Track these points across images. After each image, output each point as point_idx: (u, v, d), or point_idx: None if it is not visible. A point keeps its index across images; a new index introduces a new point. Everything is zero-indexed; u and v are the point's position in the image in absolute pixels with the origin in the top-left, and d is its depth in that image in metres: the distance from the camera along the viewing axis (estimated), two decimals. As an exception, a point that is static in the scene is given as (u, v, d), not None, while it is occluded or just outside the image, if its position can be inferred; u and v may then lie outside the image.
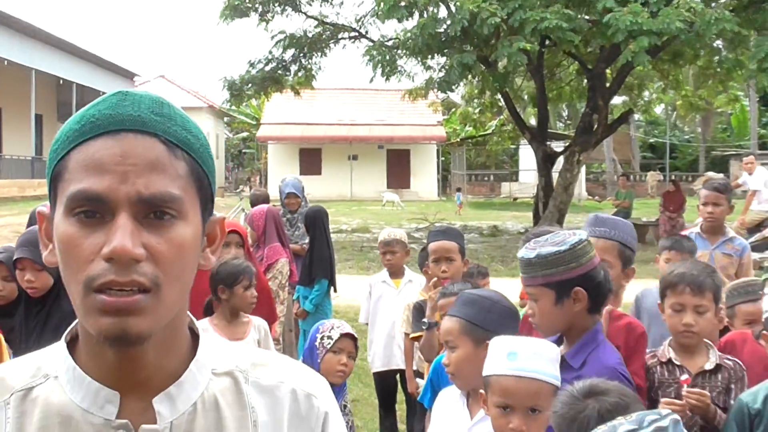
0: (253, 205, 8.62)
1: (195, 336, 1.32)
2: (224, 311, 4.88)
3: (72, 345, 1.26)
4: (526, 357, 2.56)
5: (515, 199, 42.78)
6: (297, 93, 25.72)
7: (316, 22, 23.77)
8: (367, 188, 45.24)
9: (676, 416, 1.86)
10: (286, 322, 7.93)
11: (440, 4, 18.27)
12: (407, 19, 18.62)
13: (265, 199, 9.09)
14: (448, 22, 18.12)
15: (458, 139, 46.24)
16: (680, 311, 3.36)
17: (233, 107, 51.10)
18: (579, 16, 17.31)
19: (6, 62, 31.24)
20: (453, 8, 17.88)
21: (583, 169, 36.30)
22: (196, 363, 1.27)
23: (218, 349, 1.33)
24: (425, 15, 18.56)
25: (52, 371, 1.25)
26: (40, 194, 32.46)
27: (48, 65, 34.86)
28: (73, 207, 1.15)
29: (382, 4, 18.58)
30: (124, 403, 1.21)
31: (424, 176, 46.74)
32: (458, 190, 37.58)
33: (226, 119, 57.85)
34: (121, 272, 1.12)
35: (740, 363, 3.38)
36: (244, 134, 59.24)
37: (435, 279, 4.75)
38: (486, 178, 49.51)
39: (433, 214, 26.96)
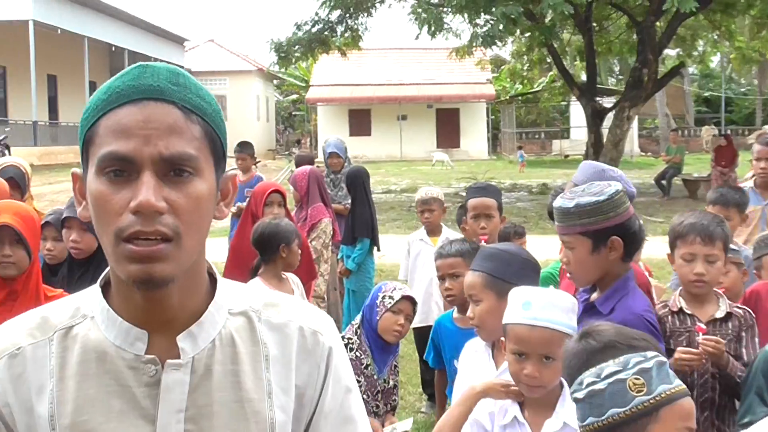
0: (297, 166, 8.74)
1: (213, 280, 1.48)
2: (276, 269, 5.01)
3: (105, 289, 1.43)
4: (540, 306, 2.63)
5: (566, 156, 42.36)
6: (344, 54, 25.71)
7: (361, -18, 23.69)
8: (416, 148, 45.16)
9: (662, 358, 1.93)
10: (331, 281, 8.09)
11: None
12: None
13: (309, 161, 9.23)
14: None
15: (508, 97, 45.86)
16: (691, 261, 3.39)
17: (282, 70, 51.42)
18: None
19: (60, 30, 31.75)
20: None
21: (636, 124, 35.89)
22: (214, 304, 1.43)
23: (234, 291, 1.50)
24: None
25: (89, 312, 1.41)
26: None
27: (100, 33, 35.35)
28: (104, 167, 1.30)
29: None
30: (152, 340, 1.37)
31: (474, 135, 46.42)
32: (519, 148, 37.20)
33: (275, 82, 57.99)
34: (147, 223, 1.27)
35: (750, 311, 3.42)
36: (294, 96, 59.34)
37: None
38: (537, 136, 49.07)
39: (483, 172, 26.87)
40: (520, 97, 46.22)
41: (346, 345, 4.23)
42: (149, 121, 1.30)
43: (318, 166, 9.38)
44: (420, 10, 19.77)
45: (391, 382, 4.30)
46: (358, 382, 4.14)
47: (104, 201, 1.30)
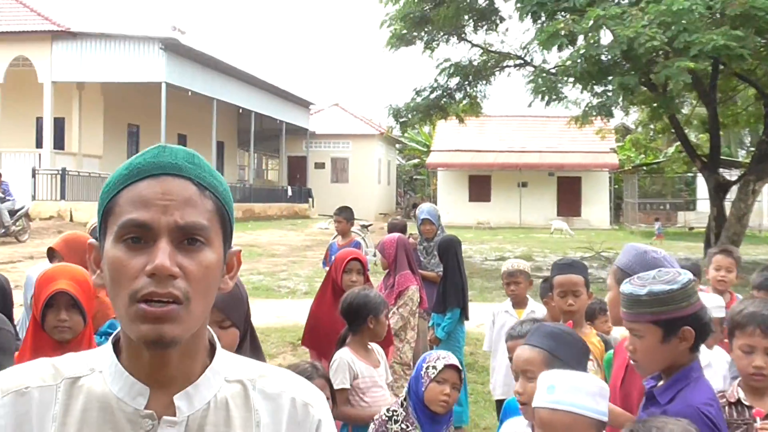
0: (389, 232, 8.76)
1: (212, 348, 1.57)
2: (363, 340, 5.00)
3: (116, 346, 1.51)
4: (564, 390, 2.59)
5: (691, 228, 41.13)
6: (461, 120, 25.86)
7: (480, 50, 23.86)
8: (536, 216, 44.79)
9: None
10: (421, 348, 8.03)
11: (600, 31, 17.89)
12: (567, 47, 18.33)
13: (402, 228, 9.24)
14: (607, 48, 17.71)
15: (631, 167, 45.04)
16: (750, 353, 3.21)
17: (404, 134, 52.10)
18: (749, 36, 16.47)
19: (190, 92, 33.04)
20: (612, 35, 17.48)
21: (766, 197, 34.59)
22: (211, 369, 1.52)
23: (231, 360, 1.59)
24: (585, 42, 18.21)
25: (98, 366, 1.49)
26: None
27: (228, 95, 36.62)
28: (122, 234, 1.41)
29: (542, 33, 18.42)
30: (152, 397, 1.45)
31: (596, 204, 45.75)
32: (656, 219, 36.23)
33: (398, 146, 58.74)
34: (161, 285, 1.37)
35: None
36: (416, 161, 59.94)
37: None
38: (661, 207, 47.88)
39: (600, 242, 26.35)
40: (644, 167, 45.28)
41: (390, 418, 4.19)
42: (167, 193, 1.42)
43: (411, 234, 9.41)
44: (536, 77, 19.71)
45: None
46: None
47: (121, 265, 1.39)
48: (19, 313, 5.09)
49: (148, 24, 36.33)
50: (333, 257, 8.22)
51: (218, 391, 1.50)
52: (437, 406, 4.08)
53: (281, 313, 12.64)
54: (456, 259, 8.04)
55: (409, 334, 7.49)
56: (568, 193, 46.06)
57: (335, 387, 4.50)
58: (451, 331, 7.88)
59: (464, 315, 8.04)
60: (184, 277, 1.39)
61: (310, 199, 46.82)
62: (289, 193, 45.39)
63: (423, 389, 4.11)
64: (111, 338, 1.52)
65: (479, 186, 46.66)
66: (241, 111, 39.63)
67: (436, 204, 46.55)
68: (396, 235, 7.89)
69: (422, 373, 4.15)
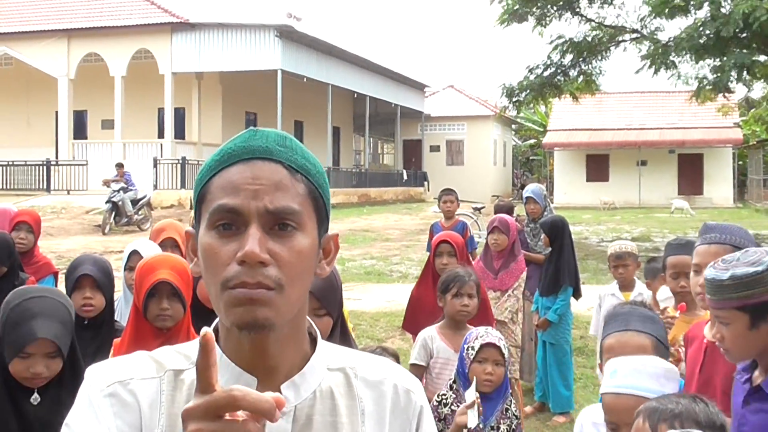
0: (495, 213, 8.66)
1: (313, 339, 1.56)
2: (452, 319, 5.01)
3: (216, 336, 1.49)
4: (625, 373, 2.52)
5: (823, 205, 39.36)
6: (575, 99, 25.36)
7: (594, 25, 23.32)
8: (656, 195, 43.64)
9: None
10: (527, 331, 7.96)
11: (715, 4, 17.19)
12: (683, 17, 17.71)
13: (509, 210, 9.12)
14: (721, 23, 17.02)
15: (756, 141, 43.32)
16: None
17: (520, 115, 51.48)
18: None
19: (305, 79, 33.48)
20: (726, 10, 16.79)
21: None
22: (315, 359, 1.51)
23: (332, 349, 1.58)
24: (702, 12, 17.56)
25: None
26: (335, 202, 34.44)
27: (343, 80, 36.94)
28: (214, 221, 1.39)
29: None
30: (258, 388, 1.41)
31: (719, 182, 44.17)
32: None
33: (513, 127, 58.12)
34: (251, 274, 1.35)
35: None
36: (532, 141, 59.20)
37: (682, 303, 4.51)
38: (789, 183, 45.94)
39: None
40: (770, 142, 43.51)
41: (440, 402, 4.19)
42: (257, 178, 1.39)
43: (518, 216, 9.28)
44: (647, 45, 19.11)
45: (503, 428, 4.15)
46: None
47: (213, 252, 1.38)
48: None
49: (263, 12, 36.97)
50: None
51: (322, 381, 1.50)
52: (481, 385, 4.05)
53: (392, 297, 12.70)
54: (569, 238, 7.90)
55: (519, 316, 7.44)
56: (690, 171, 44.65)
57: (410, 362, 4.53)
58: (563, 313, 7.77)
59: (576, 295, 7.89)
60: (276, 264, 1.37)
61: (426, 183, 46.83)
62: (405, 176, 45.53)
63: (467, 371, 4.12)
64: (211, 328, 1.50)
65: (597, 165, 45.75)
66: (356, 95, 39.92)
67: (552, 185, 46.01)
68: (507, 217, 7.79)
69: (464, 354, 4.17)
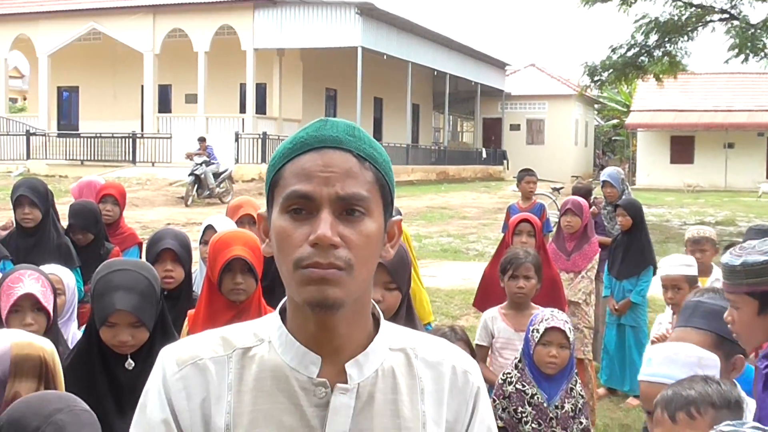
0: (573, 195, 8.59)
1: (376, 320, 1.62)
2: (513, 300, 5.03)
3: (282, 316, 1.59)
4: (659, 362, 2.58)
5: None
6: (659, 80, 24.82)
7: (681, 4, 22.76)
8: (743, 178, 42.53)
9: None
10: (601, 314, 7.92)
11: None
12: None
13: (586, 192, 9.04)
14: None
15: None
16: None
17: (603, 94, 50.64)
18: None
19: (385, 56, 33.49)
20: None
21: None
22: (378, 339, 1.58)
23: (394, 330, 1.65)
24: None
25: (266, 336, 1.57)
26: (413, 179, 34.50)
27: (423, 58, 36.83)
28: (287, 205, 1.48)
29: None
30: (323, 366, 1.52)
31: (809, 166, 42.84)
32: None
33: (596, 106, 57.22)
34: (323, 255, 1.43)
35: None
36: (614, 121, 58.21)
37: None
38: None
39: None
40: None
41: (504, 380, 4.23)
42: (328, 166, 1.47)
43: (596, 198, 9.19)
44: (735, 30, 18.56)
45: (567, 407, 4.16)
46: (524, 412, 4.13)
47: (286, 235, 1.47)
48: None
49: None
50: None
51: (384, 360, 1.57)
52: (546, 368, 4.11)
53: (467, 275, 12.71)
54: (644, 219, 7.85)
55: (592, 298, 7.42)
56: (779, 154, 43.41)
57: (474, 342, 4.57)
58: (646, 294, 7.71)
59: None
60: (346, 246, 1.45)
61: (505, 162, 46.50)
62: (484, 155, 45.29)
63: (531, 353, 4.15)
64: (278, 307, 1.60)
65: (681, 147, 44.79)
66: (436, 73, 39.73)
67: (635, 166, 45.25)
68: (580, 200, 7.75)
69: (529, 336, 4.18)
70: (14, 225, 5.52)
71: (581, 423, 4.21)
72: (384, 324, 1.62)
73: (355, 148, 1.50)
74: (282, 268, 1.49)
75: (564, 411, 4.14)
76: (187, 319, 3.90)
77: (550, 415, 4.12)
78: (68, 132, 34.55)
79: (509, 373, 4.26)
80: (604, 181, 8.60)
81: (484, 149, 45.85)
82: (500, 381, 4.25)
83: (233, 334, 1.58)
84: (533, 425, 4.10)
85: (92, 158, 31.65)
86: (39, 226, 5.30)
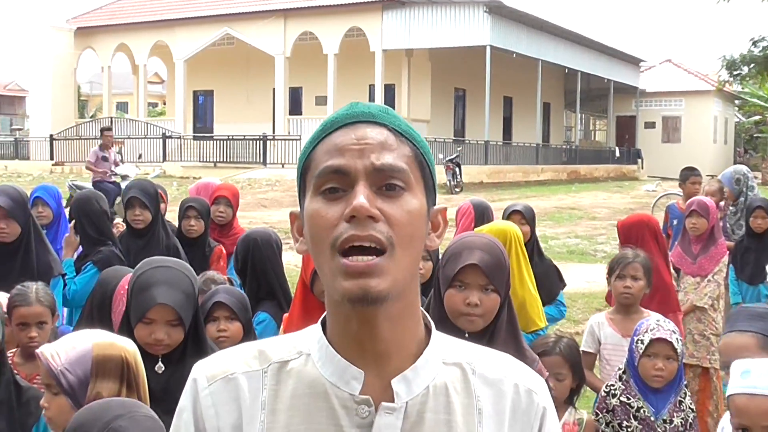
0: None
1: (428, 330, 1.46)
2: (620, 303, 4.84)
3: (324, 326, 1.44)
4: (759, 374, 2.42)
5: None
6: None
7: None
8: None
9: None
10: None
11: None
12: None
13: (720, 191, 8.61)
14: None
15: None
16: None
17: (745, 89, 48.63)
18: None
19: (515, 55, 33.12)
20: None
21: None
22: (429, 352, 1.41)
23: (448, 342, 1.48)
24: None
25: (305, 349, 1.42)
26: (543, 179, 34.00)
27: (554, 56, 36.27)
28: (320, 185, 1.35)
29: None
30: (367, 381, 1.36)
31: None
32: None
33: (737, 102, 54.97)
34: (361, 228, 1.30)
35: None
36: (756, 117, 55.73)
37: None
38: None
39: None
40: None
41: (608, 393, 3.99)
42: (362, 138, 1.36)
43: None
44: None
45: (676, 421, 3.89)
46: (630, 426, 3.88)
47: (320, 216, 1.33)
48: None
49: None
50: (674, 221, 7.89)
51: (437, 375, 1.40)
52: (652, 381, 3.88)
53: (592, 278, 12.35)
54: None
55: (720, 303, 7.04)
56: None
57: (580, 348, 4.39)
58: None
59: None
60: (386, 222, 1.31)
61: (639, 160, 45.21)
62: (617, 154, 44.16)
63: (636, 363, 3.93)
64: (321, 319, 1.46)
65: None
66: (567, 71, 39.00)
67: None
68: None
69: (634, 347, 3.95)
70: (125, 227, 5.65)
71: None
72: (437, 334, 1.46)
73: (390, 122, 1.39)
74: (319, 260, 1.35)
75: (673, 426, 3.90)
76: (282, 322, 3.88)
77: (658, 430, 3.90)
78: (202, 134, 35.59)
79: (613, 385, 4.04)
80: (722, 188, 8.20)
81: (617, 148, 44.69)
82: (603, 393, 4.03)
83: (271, 346, 1.45)
84: None
85: (225, 160, 32.46)
86: (149, 227, 5.41)
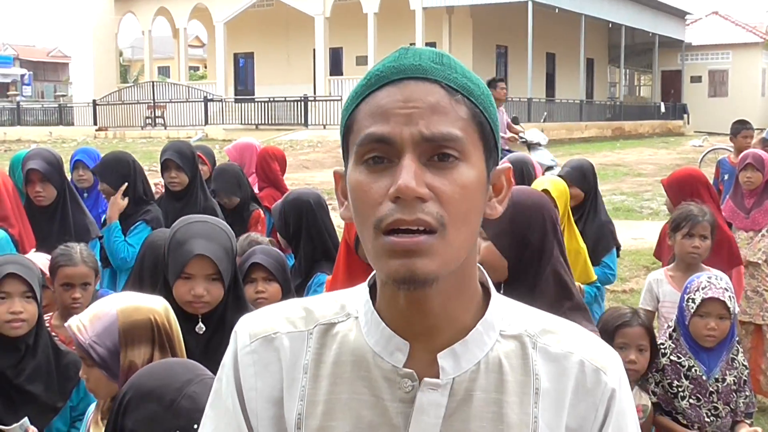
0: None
1: (486, 293, 1.32)
2: (678, 261, 4.70)
3: (372, 290, 1.32)
4: None
5: None
6: None
7: None
8: None
9: None
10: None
11: None
12: None
13: (769, 145, 8.39)
14: None
15: None
16: None
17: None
18: None
19: (557, 9, 32.62)
20: None
21: None
22: (484, 322, 1.27)
23: (509, 310, 1.33)
24: None
25: (353, 311, 1.31)
26: (587, 136, 33.54)
27: (597, 10, 35.63)
28: (362, 153, 1.20)
29: None
30: (412, 353, 1.25)
31: None
32: None
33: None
34: (407, 211, 1.15)
35: None
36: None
37: None
38: None
39: None
40: None
41: (658, 351, 3.86)
42: (410, 101, 1.19)
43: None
44: None
45: (729, 380, 3.77)
46: (680, 386, 3.77)
47: (363, 191, 1.20)
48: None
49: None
50: (725, 176, 7.69)
51: (490, 350, 1.27)
52: (703, 341, 3.75)
53: (639, 234, 12.14)
54: None
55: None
56: None
57: (639, 305, 4.26)
58: None
59: None
60: (437, 200, 1.16)
61: (685, 116, 44.43)
62: (662, 109, 43.42)
63: (687, 323, 3.79)
64: (368, 279, 1.34)
65: None
66: (610, 26, 38.38)
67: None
68: None
69: (684, 305, 3.81)
70: (164, 189, 5.59)
71: (745, 396, 3.84)
72: (497, 301, 1.30)
73: (443, 77, 1.21)
74: (363, 234, 1.22)
75: (725, 384, 3.78)
76: (325, 284, 3.81)
77: (710, 389, 3.77)
78: (244, 97, 35.60)
79: (662, 344, 3.90)
80: (764, 139, 7.93)
81: (662, 103, 43.93)
82: None
83: (318, 305, 1.34)
84: (691, 400, 3.75)
85: (266, 122, 32.44)
86: (186, 189, 5.33)
